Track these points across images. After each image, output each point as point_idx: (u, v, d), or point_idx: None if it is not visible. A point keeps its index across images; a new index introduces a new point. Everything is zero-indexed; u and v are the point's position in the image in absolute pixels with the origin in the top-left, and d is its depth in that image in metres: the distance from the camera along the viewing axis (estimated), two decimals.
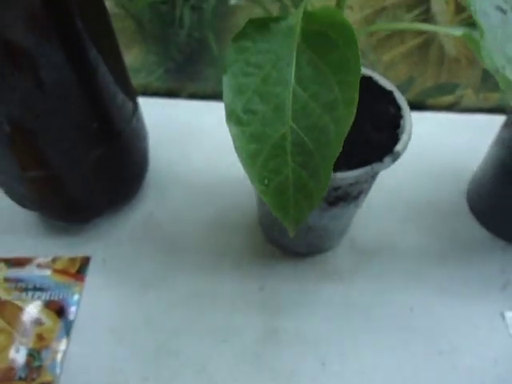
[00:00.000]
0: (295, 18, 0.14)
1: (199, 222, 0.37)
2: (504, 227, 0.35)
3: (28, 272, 0.34)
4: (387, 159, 0.23)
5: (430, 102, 0.46)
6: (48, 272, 0.34)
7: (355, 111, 0.14)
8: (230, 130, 0.15)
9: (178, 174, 0.40)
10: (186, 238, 0.36)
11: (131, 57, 0.44)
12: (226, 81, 0.15)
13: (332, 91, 0.14)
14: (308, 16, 0.14)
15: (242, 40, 0.15)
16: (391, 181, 0.39)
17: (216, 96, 0.47)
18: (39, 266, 0.34)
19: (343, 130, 0.14)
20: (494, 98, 0.44)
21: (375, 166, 0.23)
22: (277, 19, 0.15)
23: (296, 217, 0.15)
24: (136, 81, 0.47)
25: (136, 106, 0.33)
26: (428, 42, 0.39)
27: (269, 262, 0.34)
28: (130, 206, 0.38)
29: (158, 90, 0.47)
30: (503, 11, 0.12)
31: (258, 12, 0.39)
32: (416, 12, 0.37)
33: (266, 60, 0.14)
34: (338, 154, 0.14)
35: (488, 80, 0.42)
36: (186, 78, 0.46)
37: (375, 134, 0.25)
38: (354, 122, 0.26)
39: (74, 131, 0.27)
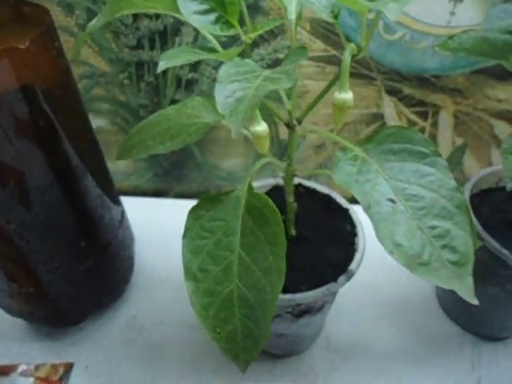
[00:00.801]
0: (242, 191, 0.18)
1: (181, 324, 0.38)
2: (472, 322, 0.37)
3: (11, 381, 0.34)
4: (341, 278, 0.26)
5: None
6: (31, 380, 0.35)
7: (284, 278, 0.17)
8: (187, 287, 0.18)
9: (162, 274, 0.42)
10: (167, 341, 0.37)
11: (123, 163, 0.49)
12: (185, 243, 0.18)
13: (267, 259, 0.17)
14: (251, 189, 0.18)
15: (198, 209, 0.18)
16: (363, 276, 0.41)
17: (201, 195, 0.51)
18: (22, 373, 0.35)
19: (276, 291, 0.16)
20: None
21: (330, 286, 0.25)
22: (226, 193, 0.18)
23: (245, 359, 0.18)
24: (127, 183, 0.51)
25: (122, 218, 0.36)
26: None
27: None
28: (115, 308, 0.39)
29: (147, 191, 0.51)
30: (393, 202, 0.15)
31: None
32: (374, 126, 0.42)
33: (218, 226, 0.18)
34: (273, 310, 0.17)
35: None
36: (173, 180, 0.50)
37: (333, 250, 0.28)
38: (313, 238, 0.29)
39: (63, 251, 0.30)
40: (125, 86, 0.41)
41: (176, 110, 0.23)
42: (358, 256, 0.27)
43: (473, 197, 0.33)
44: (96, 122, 0.45)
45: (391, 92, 0.40)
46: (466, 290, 0.14)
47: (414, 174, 0.17)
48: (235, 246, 0.17)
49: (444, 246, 0.15)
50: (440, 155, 0.17)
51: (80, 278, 0.32)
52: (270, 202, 0.17)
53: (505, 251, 0.27)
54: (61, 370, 0.35)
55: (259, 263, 0.17)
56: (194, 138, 0.22)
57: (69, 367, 0.35)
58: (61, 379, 0.35)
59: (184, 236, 0.18)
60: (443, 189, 0.16)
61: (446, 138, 0.42)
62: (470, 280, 0.14)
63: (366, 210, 0.15)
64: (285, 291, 0.25)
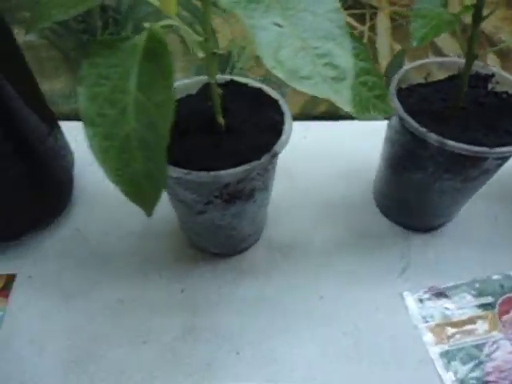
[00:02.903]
0: (141, 38, 0.18)
1: (124, 233, 0.39)
2: (403, 217, 0.39)
3: None
4: (265, 157, 0.26)
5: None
6: None
7: (173, 108, 0.17)
8: (85, 132, 0.18)
9: (104, 191, 0.42)
10: (111, 250, 0.38)
11: (60, 84, 0.47)
12: (81, 91, 0.17)
13: (160, 93, 0.17)
14: (150, 36, 0.18)
15: (94, 57, 0.17)
16: (306, 183, 0.43)
17: None
18: None
19: (167, 123, 0.16)
20: None
21: (253, 163, 0.26)
22: (123, 39, 0.18)
23: (150, 202, 0.18)
24: (67, 106, 0.49)
25: (53, 127, 0.35)
26: None
27: (190, 266, 0.37)
28: (57, 224, 0.39)
29: None
30: (280, 26, 0.15)
31: (172, 37, 0.43)
32: None
33: (114, 73, 0.17)
34: (166, 144, 0.17)
35: None
36: None
37: (262, 137, 0.29)
38: (244, 128, 0.29)
39: None
40: None
41: None
42: (283, 138, 0.28)
43: (401, 90, 0.34)
44: (22, 37, 0.42)
45: None
46: (343, 100, 0.15)
47: (301, 1, 0.17)
48: (131, 89, 0.17)
49: (325, 64, 0.15)
50: None
51: (11, 182, 0.32)
52: (160, 35, 0.17)
53: (422, 129, 0.28)
54: (3, 281, 0.35)
55: (153, 99, 0.17)
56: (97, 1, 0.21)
57: (11, 278, 0.35)
58: (3, 289, 0.35)
59: (79, 84, 0.18)
60: (328, 12, 0.16)
61: (385, 44, 0.42)
62: (347, 92, 0.15)
63: (252, 31, 0.15)
64: None
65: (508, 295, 0.35)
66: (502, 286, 0.35)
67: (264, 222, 0.38)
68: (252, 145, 0.28)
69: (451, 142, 0.28)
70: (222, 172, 0.25)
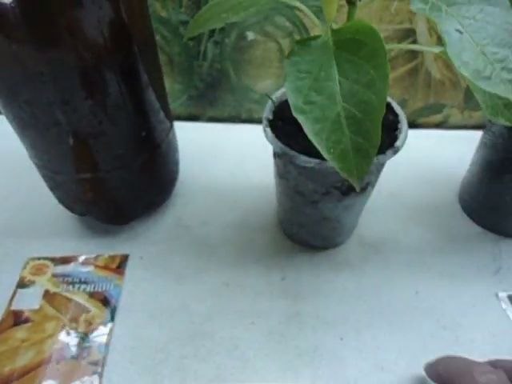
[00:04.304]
0: (326, 35, 0.20)
1: (223, 224, 0.41)
2: (493, 222, 0.40)
3: (73, 268, 0.38)
4: (389, 152, 0.29)
5: (421, 120, 0.52)
6: (91, 268, 0.38)
7: (389, 83, 0.19)
8: (298, 119, 0.20)
9: (202, 185, 0.45)
10: (212, 238, 0.40)
11: None
12: (287, 85, 0.20)
13: (368, 74, 0.19)
14: (335, 32, 0.20)
15: (292, 57, 0.20)
16: (392, 187, 0.45)
17: (232, 119, 0.53)
18: (83, 263, 0.38)
19: (383, 97, 0.19)
20: (476, 116, 0.51)
21: (380, 157, 0.28)
22: (314, 38, 0.21)
23: (359, 174, 0.21)
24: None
25: (171, 123, 0.39)
26: (417, 68, 0.46)
27: (288, 256, 0.39)
28: (162, 212, 0.42)
29: (180, 115, 0.53)
30: (460, 32, 0.18)
31: (271, 45, 0.46)
32: (405, 43, 0.44)
33: (313, 66, 0.20)
34: (382, 117, 0.19)
35: (470, 100, 0.49)
36: (207, 104, 0.52)
37: (382, 136, 0.31)
38: None
39: (128, 138, 0.32)
40: (166, 0, 0.43)
41: None
42: (402, 136, 0.30)
43: None
44: None
45: None
46: None
47: (480, 12, 0.19)
48: (334, 76, 0.20)
49: (503, 68, 0.18)
50: None
51: (137, 169, 0.35)
52: (365, 24, 0.20)
53: None
54: (118, 260, 0.38)
55: (361, 81, 0.19)
56: (266, 6, 0.24)
57: (125, 258, 0.39)
58: (118, 267, 0.38)
59: (285, 81, 0.20)
60: (504, 23, 0.18)
61: None
62: None
63: (442, 35, 0.18)
64: None
65: None
66: None
67: (357, 221, 0.40)
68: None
69: None
70: None
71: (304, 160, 0.28)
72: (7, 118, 0.31)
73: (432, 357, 0.29)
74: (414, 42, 0.44)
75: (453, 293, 0.36)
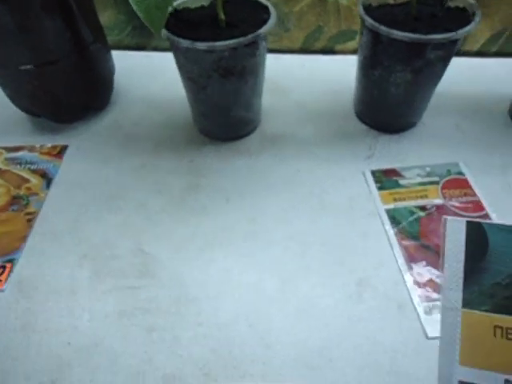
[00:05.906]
0: None
1: (150, 125, 0.49)
2: (373, 118, 0.47)
3: (22, 154, 0.46)
4: (250, 36, 0.36)
5: (339, 47, 0.59)
6: (36, 154, 0.46)
7: None
8: None
9: (140, 96, 0.53)
10: (139, 135, 0.48)
11: (106, 18, 0.58)
12: None
13: None
14: None
15: None
16: (297, 96, 0.52)
17: None
18: (30, 150, 0.47)
19: None
20: None
21: (240, 39, 0.35)
22: None
23: (157, 25, 0.28)
24: (110, 38, 0.60)
25: (101, 34, 0.46)
26: None
27: (199, 146, 0.47)
28: (101, 116, 0.51)
29: (128, 45, 0.61)
30: None
31: None
32: None
33: None
34: None
35: None
36: (150, 35, 0.59)
37: (253, 29, 0.38)
38: (240, 24, 0.39)
39: (53, 36, 0.40)
40: None
41: None
42: (265, 26, 0.37)
43: (371, 6, 0.42)
44: None
45: None
46: None
47: None
48: None
49: None
50: None
51: (70, 68, 0.43)
52: None
53: (375, 23, 0.37)
54: (58, 148, 0.47)
55: None
56: None
57: (64, 147, 0.47)
58: (59, 153, 0.46)
59: None
60: None
61: None
62: None
63: None
64: None
65: (453, 176, 0.42)
66: (449, 171, 0.43)
67: (259, 117, 0.48)
68: (244, 33, 0.37)
69: (396, 31, 0.36)
70: (217, 43, 0.35)
71: (179, 41, 0.36)
72: None
73: (299, 213, 0.37)
74: None
75: (328, 172, 0.43)
